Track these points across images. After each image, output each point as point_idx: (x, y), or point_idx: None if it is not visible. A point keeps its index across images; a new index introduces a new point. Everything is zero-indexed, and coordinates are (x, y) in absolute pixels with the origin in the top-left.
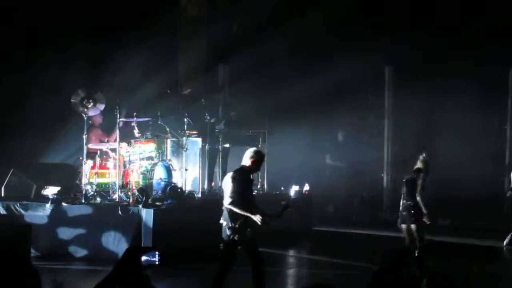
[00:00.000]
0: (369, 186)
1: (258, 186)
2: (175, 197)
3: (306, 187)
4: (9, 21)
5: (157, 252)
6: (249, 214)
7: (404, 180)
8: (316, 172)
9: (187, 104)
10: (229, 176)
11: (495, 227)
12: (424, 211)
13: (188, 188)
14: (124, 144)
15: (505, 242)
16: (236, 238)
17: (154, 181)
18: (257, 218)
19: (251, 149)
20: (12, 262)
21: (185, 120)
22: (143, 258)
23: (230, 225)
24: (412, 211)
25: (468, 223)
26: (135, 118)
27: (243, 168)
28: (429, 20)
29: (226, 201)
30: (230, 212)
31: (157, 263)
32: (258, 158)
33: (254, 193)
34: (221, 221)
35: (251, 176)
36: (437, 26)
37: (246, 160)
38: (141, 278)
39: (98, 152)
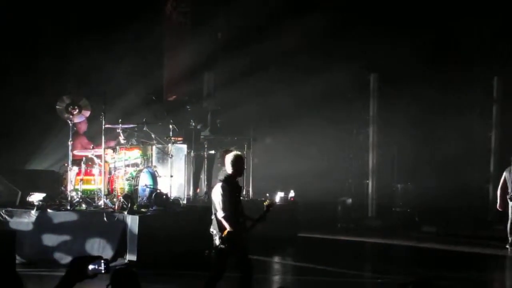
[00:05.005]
0: (354, 192)
1: (244, 193)
2: (161, 204)
3: (292, 194)
4: None
5: (102, 261)
6: (236, 235)
7: None
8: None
9: (172, 111)
10: (218, 186)
11: (479, 234)
12: None
13: (173, 194)
14: (109, 151)
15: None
16: (224, 247)
17: (139, 188)
18: (236, 243)
19: (229, 155)
20: None
21: (171, 126)
22: (90, 267)
23: (219, 235)
24: None
25: (453, 230)
26: (120, 125)
27: (230, 177)
28: (414, 26)
29: (219, 213)
30: (219, 222)
31: (103, 271)
32: (238, 162)
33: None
34: (211, 229)
35: (238, 182)
36: (422, 33)
37: (229, 168)
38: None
39: (84, 158)
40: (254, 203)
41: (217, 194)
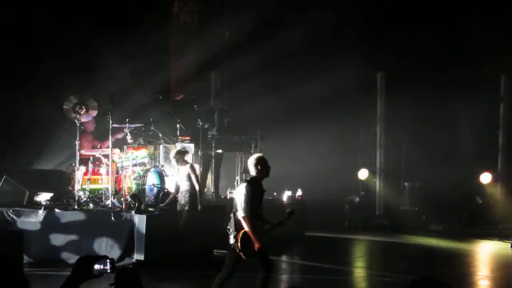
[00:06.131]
0: (362, 191)
1: None
2: (168, 203)
3: (299, 192)
4: (2, 29)
5: (108, 260)
6: (253, 237)
7: None
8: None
9: (179, 110)
10: (242, 186)
11: (487, 232)
12: None
13: None
14: (116, 150)
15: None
16: (238, 247)
17: (147, 187)
18: (256, 246)
19: (252, 157)
20: (2, 269)
21: (178, 125)
22: (96, 266)
23: (234, 234)
24: None
25: (461, 228)
26: (127, 124)
27: (255, 178)
28: (421, 24)
29: (240, 213)
30: (237, 221)
31: (109, 271)
32: (263, 163)
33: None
34: (228, 227)
35: (262, 185)
36: (429, 31)
37: (253, 170)
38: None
39: (91, 158)
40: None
41: (240, 194)
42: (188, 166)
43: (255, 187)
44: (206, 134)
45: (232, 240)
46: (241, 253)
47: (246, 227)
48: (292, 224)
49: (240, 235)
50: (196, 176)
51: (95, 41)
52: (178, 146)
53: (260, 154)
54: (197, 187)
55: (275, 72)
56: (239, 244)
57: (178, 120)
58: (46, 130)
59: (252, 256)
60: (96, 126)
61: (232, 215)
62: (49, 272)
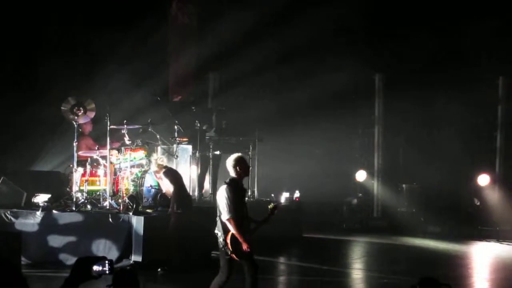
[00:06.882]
0: (360, 193)
1: (249, 193)
2: (166, 205)
3: (297, 194)
4: (2, 30)
5: (107, 261)
6: (240, 238)
7: None
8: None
9: (177, 112)
10: (222, 189)
11: (485, 234)
12: None
13: None
14: (114, 152)
15: None
16: (229, 249)
17: (145, 189)
18: (244, 247)
19: (230, 158)
20: (1, 271)
21: (176, 127)
22: (95, 267)
23: (223, 237)
24: None
25: (459, 230)
26: (125, 126)
27: (234, 179)
28: (419, 26)
29: (224, 216)
30: (223, 224)
31: (107, 272)
32: (241, 163)
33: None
34: (216, 231)
35: (243, 184)
36: (427, 33)
37: (232, 171)
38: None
39: (89, 159)
40: (259, 204)
41: (221, 196)
42: (161, 173)
43: (235, 188)
44: (204, 136)
45: (222, 243)
46: (233, 255)
47: (231, 229)
48: (289, 226)
49: (229, 237)
50: (170, 179)
51: (93, 43)
52: (155, 155)
53: (239, 154)
54: (170, 190)
55: (273, 73)
56: (229, 246)
57: (176, 121)
58: (44, 131)
59: (244, 255)
60: (94, 127)
61: (218, 218)
62: (47, 274)
